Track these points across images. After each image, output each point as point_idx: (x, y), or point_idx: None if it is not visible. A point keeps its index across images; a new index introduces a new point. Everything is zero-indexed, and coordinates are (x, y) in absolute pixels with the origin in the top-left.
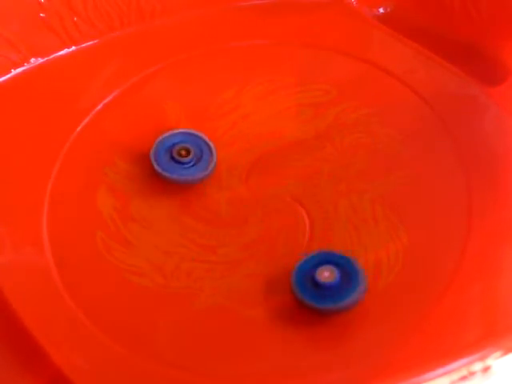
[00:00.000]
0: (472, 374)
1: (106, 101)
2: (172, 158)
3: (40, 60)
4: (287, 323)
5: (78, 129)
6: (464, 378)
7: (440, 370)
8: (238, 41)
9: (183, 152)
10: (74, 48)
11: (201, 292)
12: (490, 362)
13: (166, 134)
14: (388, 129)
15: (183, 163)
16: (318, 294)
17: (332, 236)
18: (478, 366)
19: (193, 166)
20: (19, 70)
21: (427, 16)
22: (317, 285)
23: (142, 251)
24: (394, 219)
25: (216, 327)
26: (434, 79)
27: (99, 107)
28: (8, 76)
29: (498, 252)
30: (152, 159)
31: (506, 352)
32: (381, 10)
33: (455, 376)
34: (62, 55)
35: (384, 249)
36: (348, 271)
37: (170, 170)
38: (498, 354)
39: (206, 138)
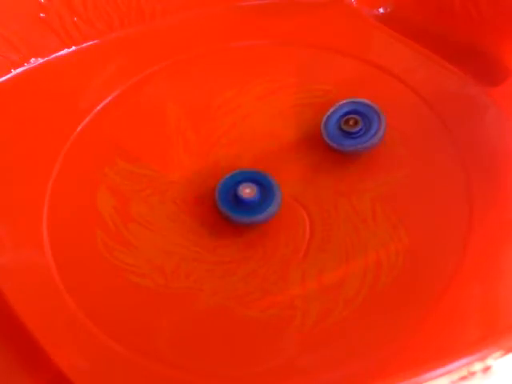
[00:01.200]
0: (472, 374)
1: (106, 101)
2: (340, 129)
3: (40, 60)
4: (286, 321)
5: (78, 129)
6: (464, 378)
7: (440, 370)
8: (238, 41)
9: (351, 122)
10: (74, 48)
11: (201, 292)
12: (490, 362)
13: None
14: (388, 129)
15: (353, 133)
16: None
17: (332, 236)
18: (478, 366)
19: (362, 134)
20: (19, 70)
21: (427, 16)
22: None
23: (142, 251)
24: (394, 219)
25: (216, 327)
26: (434, 79)
27: (99, 107)
28: (8, 76)
29: (498, 252)
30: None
31: (506, 352)
32: (381, 10)
33: (455, 376)
34: (62, 55)
35: (384, 249)
36: None
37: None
38: (498, 353)
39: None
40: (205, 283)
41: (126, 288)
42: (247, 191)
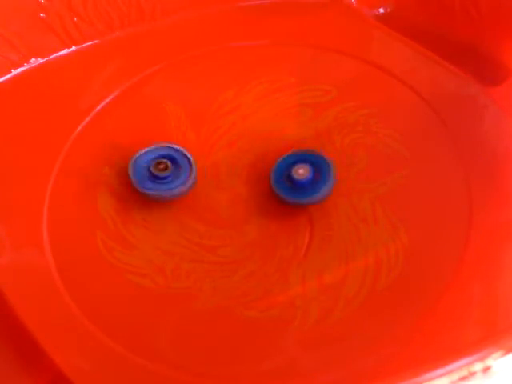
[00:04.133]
0: (472, 374)
1: (106, 101)
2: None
3: (40, 60)
4: (286, 321)
5: (78, 129)
6: (464, 378)
7: (440, 370)
8: (238, 41)
9: (161, 166)
10: (74, 48)
11: (201, 292)
12: (490, 362)
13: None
14: (388, 129)
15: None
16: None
17: (332, 236)
18: (478, 366)
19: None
20: (19, 70)
21: (427, 16)
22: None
23: (142, 251)
24: (394, 219)
25: (216, 327)
26: (434, 79)
27: (99, 107)
28: (8, 76)
29: (498, 252)
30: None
31: (507, 352)
32: (381, 10)
33: (455, 376)
34: (61, 55)
35: (384, 249)
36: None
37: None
38: (498, 354)
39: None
40: (205, 283)
41: (126, 288)
42: (301, 172)
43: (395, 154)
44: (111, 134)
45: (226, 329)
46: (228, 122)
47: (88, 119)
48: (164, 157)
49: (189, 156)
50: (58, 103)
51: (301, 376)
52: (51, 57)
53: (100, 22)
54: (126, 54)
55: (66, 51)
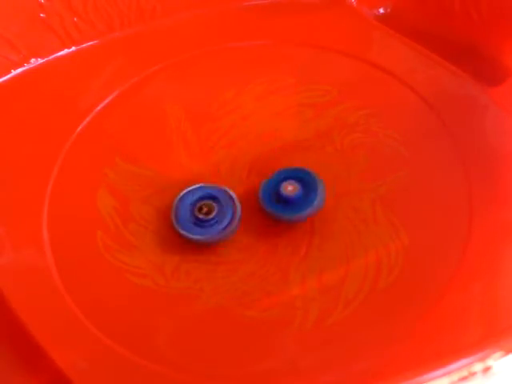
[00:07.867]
0: (472, 374)
1: (106, 101)
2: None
3: (40, 60)
4: (286, 321)
5: (78, 129)
6: (464, 378)
7: (440, 371)
8: (238, 41)
9: (205, 209)
10: (74, 48)
11: (201, 292)
12: (490, 362)
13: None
14: (388, 129)
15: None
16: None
17: (332, 236)
18: (478, 367)
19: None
20: (19, 70)
21: (427, 16)
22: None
23: (142, 251)
24: (394, 219)
25: (216, 327)
26: (434, 79)
27: (99, 107)
28: (8, 76)
29: (498, 252)
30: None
31: (507, 352)
32: (381, 10)
33: (455, 376)
34: (62, 55)
35: (384, 249)
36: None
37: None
38: (498, 354)
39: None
40: (205, 283)
41: (126, 288)
42: (290, 189)
43: (395, 153)
44: (111, 134)
45: (226, 329)
46: (228, 122)
47: (88, 119)
48: (205, 198)
49: (231, 194)
50: (58, 103)
51: (300, 376)
52: (51, 57)
53: (100, 22)
54: (126, 54)
55: (65, 51)
